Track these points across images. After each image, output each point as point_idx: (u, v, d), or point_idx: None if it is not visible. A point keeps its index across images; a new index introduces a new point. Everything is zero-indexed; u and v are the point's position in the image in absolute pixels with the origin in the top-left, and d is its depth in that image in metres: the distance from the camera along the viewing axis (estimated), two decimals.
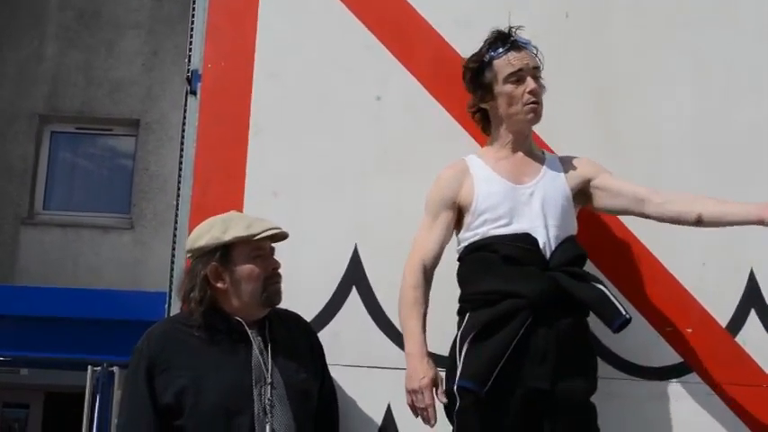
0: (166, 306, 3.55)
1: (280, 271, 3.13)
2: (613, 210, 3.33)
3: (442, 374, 3.10)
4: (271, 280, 3.08)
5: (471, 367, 3.02)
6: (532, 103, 3.23)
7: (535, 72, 3.25)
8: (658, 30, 3.70)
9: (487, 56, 3.28)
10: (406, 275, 3.20)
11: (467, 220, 3.22)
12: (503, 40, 3.27)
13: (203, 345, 3.03)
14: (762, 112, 3.65)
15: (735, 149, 3.61)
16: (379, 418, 3.40)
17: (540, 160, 3.30)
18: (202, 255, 3.07)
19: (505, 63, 3.25)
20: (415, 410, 3.09)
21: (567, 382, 3.01)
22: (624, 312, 3.02)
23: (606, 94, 3.65)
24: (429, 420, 3.06)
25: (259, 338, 3.06)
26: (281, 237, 3.14)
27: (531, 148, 3.32)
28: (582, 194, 3.29)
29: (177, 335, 3.06)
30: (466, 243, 3.22)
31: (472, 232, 3.20)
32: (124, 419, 3.06)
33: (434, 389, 3.06)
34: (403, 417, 3.27)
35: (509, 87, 3.24)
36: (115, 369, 8.85)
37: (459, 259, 3.24)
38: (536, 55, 3.28)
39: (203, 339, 3.03)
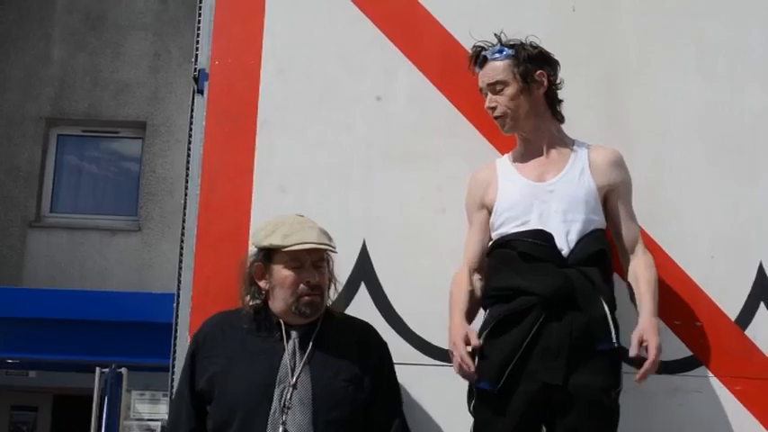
0: (174, 307, 3.54)
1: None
2: None
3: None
4: (303, 292, 3.06)
5: (485, 366, 3.06)
6: (494, 115, 3.27)
7: (493, 87, 3.26)
8: (665, 18, 3.70)
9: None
10: (452, 278, 3.27)
11: (491, 219, 3.27)
12: (472, 59, 3.33)
13: (247, 338, 3.08)
14: None
15: (741, 137, 3.61)
16: None
17: (567, 155, 3.27)
18: (254, 252, 3.13)
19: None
20: (459, 369, 3.07)
21: (580, 378, 3.01)
22: (614, 339, 3.03)
23: (613, 83, 3.64)
24: (469, 374, 3.05)
25: (297, 340, 3.06)
26: (325, 251, 3.09)
27: (556, 144, 3.30)
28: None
29: (229, 325, 3.13)
30: (491, 242, 3.26)
31: (496, 232, 3.24)
32: (174, 397, 3.22)
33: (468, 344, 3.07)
34: (413, 411, 3.27)
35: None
36: (123, 370, 8.86)
37: (487, 256, 3.28)
38: (509, 55, 3.24)
39: (249, 333, 3.09)
